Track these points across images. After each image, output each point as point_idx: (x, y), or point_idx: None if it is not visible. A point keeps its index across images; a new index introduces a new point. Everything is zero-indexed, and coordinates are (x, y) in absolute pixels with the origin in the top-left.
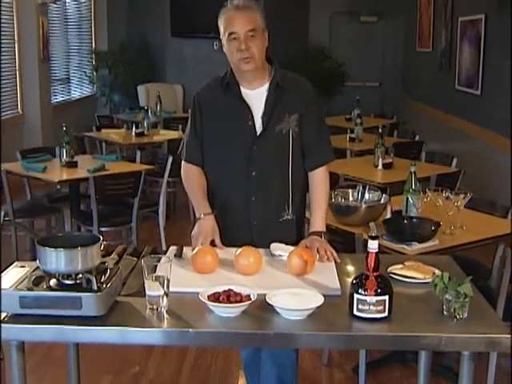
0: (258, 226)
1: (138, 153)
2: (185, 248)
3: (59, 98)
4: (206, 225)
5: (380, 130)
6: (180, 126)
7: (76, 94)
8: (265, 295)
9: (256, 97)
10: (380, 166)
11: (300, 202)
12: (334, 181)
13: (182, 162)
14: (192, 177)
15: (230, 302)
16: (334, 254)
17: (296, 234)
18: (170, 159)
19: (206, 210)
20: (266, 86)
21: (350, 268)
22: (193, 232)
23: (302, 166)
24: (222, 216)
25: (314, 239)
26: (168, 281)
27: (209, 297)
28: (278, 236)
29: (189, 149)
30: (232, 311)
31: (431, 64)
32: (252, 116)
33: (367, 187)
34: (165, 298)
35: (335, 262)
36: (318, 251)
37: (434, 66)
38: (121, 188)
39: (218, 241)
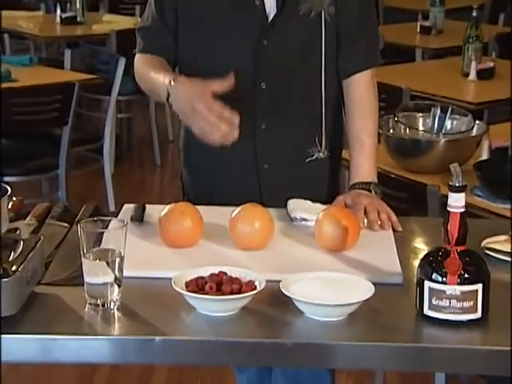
0: (270, 171)
1: (68, 53)
2: (148, 207)
3: None
4: (186, 87)
5: (474, 14)
6: (138, 9)
7: None
8: (278, 282)
9: None
10: (473, 75)
11: (339, 131)
12: (394, 99)
13: (136, 55)
14: (145, 61)
15: (223, 294)
16: (393, 217)
17: (331, 183)
18: (122, 64)
19: (170, 73)
20: None
21: (419, 240)
22: (182, 111)
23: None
24: (210, 158)
25: (360, 194)
26: (121, 259)
27: (188, 285)
28: (301, 188)
29: (148, 36)
30: (225, 307)
31: None
32: None
33: (449, 110)
34: (115, 287)
35: (393, 231)
36: (365, 213)
37: None
38: (39, 111)
39: (214, 86)
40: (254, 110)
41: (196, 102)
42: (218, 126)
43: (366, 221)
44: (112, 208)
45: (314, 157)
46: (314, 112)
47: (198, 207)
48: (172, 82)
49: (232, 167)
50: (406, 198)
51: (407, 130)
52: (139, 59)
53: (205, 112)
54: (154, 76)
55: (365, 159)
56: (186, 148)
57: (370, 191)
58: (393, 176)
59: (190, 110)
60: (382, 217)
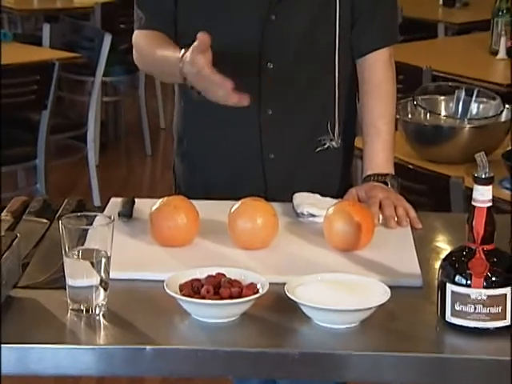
0: (276, 161)
1: (47, 28)
2: (138, 201)
3: None
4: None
5: None
6: None
7: None
8: (283, 285)
9: None
10: (502, 53)
11: (352, 117)
12: (413, 80)
13: (136, 32)
14: (147, 41)
15: (221, 298)
16: (411, 212)
17: (343, 175)
18: (108, 40)
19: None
20: None
21: (441, 238)
22: (199, 86)
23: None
24: (208, 146)
25: (374, 187)
26: (108, 260)
27: (182, 288)
28: (311, 180)
29: (149, 10)
30: (224, 313)
31: None
32: None
33: (475, 92)
34: (101, 291)
35: (412, 228)
36: (380, 208)
37: None
38: (14, 94)
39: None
40: (259, 94)
41: (204, 77)
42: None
43: (381, 217)
44: (97, 202)
45: (326, 146)
46: (325, 96)
47: (194, 201)
48: (182, 60)
49: (233, 157)
50: (426, 192)
51: (428, 114)
52: (141, 37)
53: (214, 78)
54: (166, 54)
55: (380, 148)
56: (180, 135)
57: (385, 184)
58: (411, 167)
59: (203, 82)
60: (400, 212)
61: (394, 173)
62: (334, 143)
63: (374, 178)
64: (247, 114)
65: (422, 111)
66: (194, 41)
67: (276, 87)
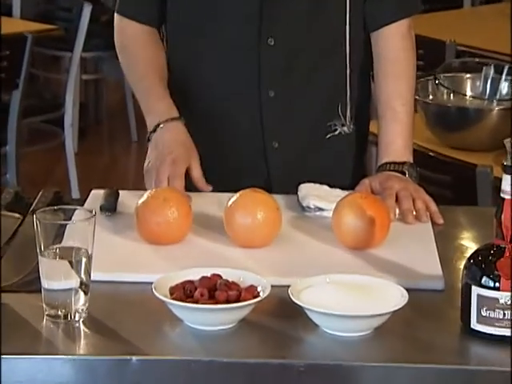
0: (280, 150)
1: None
2: (122, 194)
3: None
4: (171, 138)
5: None
6: None
7: None
8: (287, 288)
9: None
10: None
11: (366, 99)
12: (435, 56)
13: (116, 16)
14: (137, 44)
15: (217, 302)
16: (432, 206)
17: (356, 165)
18: (87, 11)
19: (169, 110)
20: None
21: (465, 235)
22: (146, 160)
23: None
24: (203, 133)
25: (390, 177)
26: (89, 259)
27: (173, 291)
28: (319, 170)
29: None
30: (220, 320)
31: None
32: None
33: (505, 70)
34: (81, 294)
35: (433, 224)
36: (397, 201)
37: None
38: None
39: (196, 171)
40: (259, 73)
41: (167, 160)
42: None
43: (397, 211)
44: (76, 194)
45: (337, 131)
46: (335, 75)
47: (186, 193)
48: (161, 122)
49: (232, 145)
50: (449, 183)
51: (451, 95)
52: (120, 25)
53: (163, 180)
54: (142, 91)
55: (397, 132)
56: None
57: (403, 173)
58: (432, 154)
59: (156, 158)
60: (418, 206)
61: (412, 161)
62: (345, 128)
63: (390, 166)
64: (246, 97)
65: (445, 91)
66: (182, 15)
67: (278, 65)
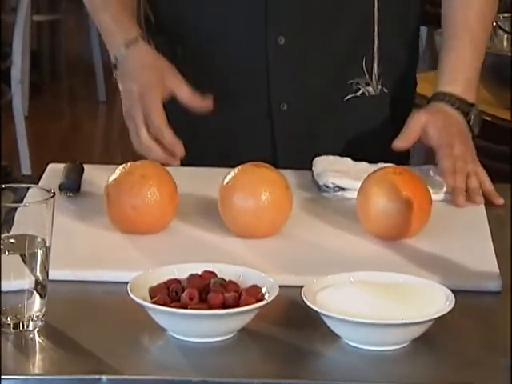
0: (289, 113)
1: None
2: (87, 169)
3: None
4: (134, 66)
5: None
6: None
7: None
8: (300, 289)
9: None
10: None
11: (410, 55)
12: None
13: None
14: None
15: (210, 307)
16: (488, 184)
17: (387, 135)
18: None
19: (125, 32)
20: None
21: None
22: (123, 103)
23: None
24: (199, 85)
25: (452, 130)
26: (46, 252)
27: (154, 292)
28: (338, 140)
29: None
30: (214, 329)
31: None
32: None
33: None
34: (36, 297)
35: (488, 206)
36: (443, 171)
37: None
38: None
39: (180, 89)
40: (266, 14)
41: (137, 101)
42: (148, 147)
43: (444, 187)
44: (27, 170)
45: (359, 92)
46: (360, 17)
47: (171, 168)
48: (124, 47)
49: (227, 108)
50: (507, 155)
51: None
52: None
53: (139, 124)
54: (105, 16)
55: (470, 58)
56: None
57: (468, 121)
58: (488, 119)
59: (130, 96)
60: (473, 184)
61: (474, 103)
62: (370, 88)
63: (457, 102)
64: (249, 44)
65: (505, 36)
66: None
67: (289, 3)
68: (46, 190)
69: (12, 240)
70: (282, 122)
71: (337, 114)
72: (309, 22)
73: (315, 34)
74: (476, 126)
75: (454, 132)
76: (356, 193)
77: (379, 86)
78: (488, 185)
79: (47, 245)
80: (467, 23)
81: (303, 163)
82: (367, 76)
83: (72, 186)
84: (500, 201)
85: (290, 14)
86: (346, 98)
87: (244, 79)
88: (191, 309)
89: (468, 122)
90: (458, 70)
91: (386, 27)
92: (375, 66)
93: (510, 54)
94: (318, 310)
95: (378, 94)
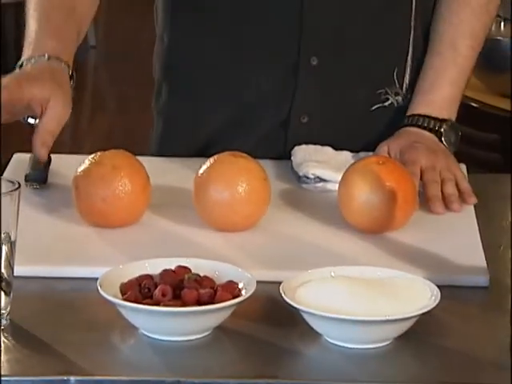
0: (308, 126)
1: None
2: (55, 158)
3: None
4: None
5: None
6: None
7: None
8: (279, 285)
9: None
10: None
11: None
12: None
13: None
14: None
15: (184, 303)
16: (463, 183)
17: None
18: None
19: (61, 51)
20: None
21: None
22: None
23: None
24: (198, 96)
25: (415, 147)
26: (11, 248)
27: (125, 289)
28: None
29: None
30: (188, 327)
31: None
32: None
33: None
34: (1, 294)
35: (464, 202)
36: (422, 179)
37: None
38: None
39: (51, 120)
40: (289, 14)
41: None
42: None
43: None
44: None
45: (388, 102)
46: (395, 25)
47: (143, 158)
48: (27, 60)
49: (244, 114)
50: (496, 143)
51: (502, 24)
52: None
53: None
54: (32, 25)
55: (452, 79)
56: (159, 81)
57: (439, 136)
58: (476, 105)
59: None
60: (448, 190)
61: (454, 119)
62: (400, 98)
63: (424, 121)
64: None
65: (496, 20)
66: None
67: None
68: (11, 182)
69: None
70: (298, 137)
71: (360, 126)
72: (343, 40)
73: (349, 50)
74: (452, 141)
75: (418, 147)
76: (337, 184)
77: (408, 96)
78: (463, 183)
79: (12, 240)
80: (453, 41)
81: None
82: (397, 85)
83: (39, 178)
84: (472, 200)
85: (327, 33)
86: (373, 109)
87: (258, 94)
88: (164, 306)
89: (439, 136)
90: (434, 90)
91: (420, 37)
92: (407, 76)
93: (500, 38)
94: (298, 307)
95: (405, 104)
